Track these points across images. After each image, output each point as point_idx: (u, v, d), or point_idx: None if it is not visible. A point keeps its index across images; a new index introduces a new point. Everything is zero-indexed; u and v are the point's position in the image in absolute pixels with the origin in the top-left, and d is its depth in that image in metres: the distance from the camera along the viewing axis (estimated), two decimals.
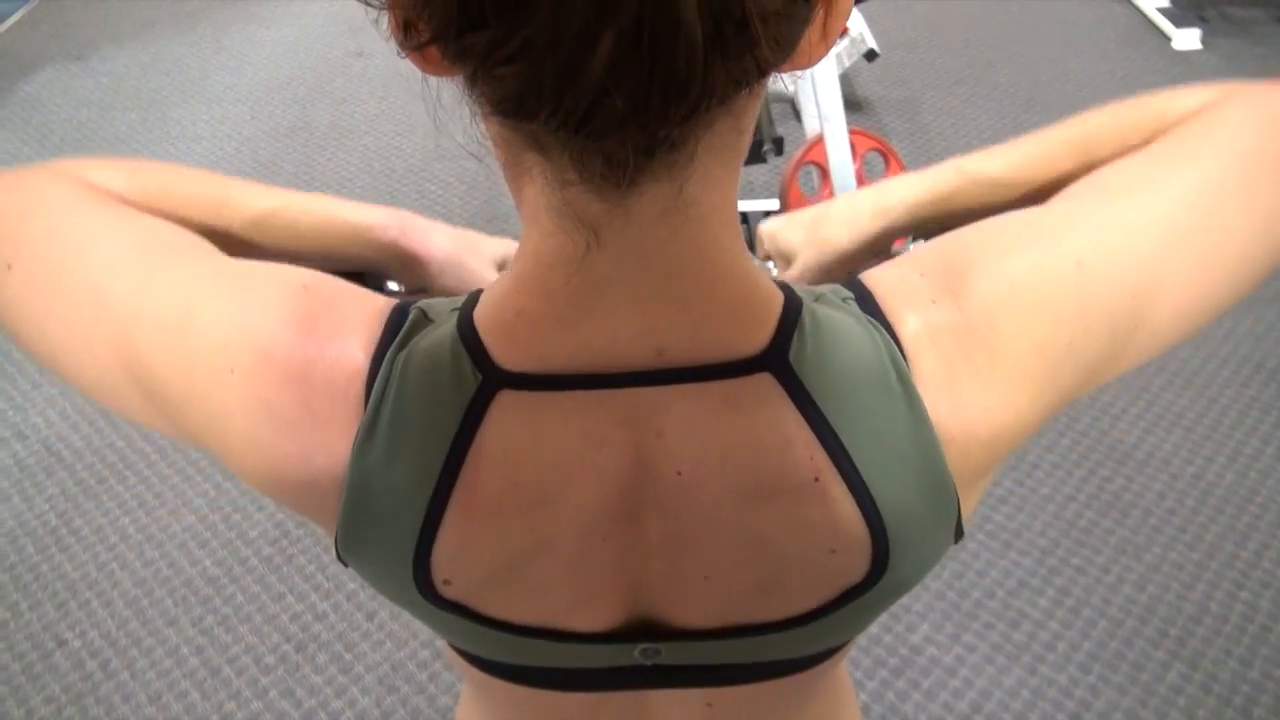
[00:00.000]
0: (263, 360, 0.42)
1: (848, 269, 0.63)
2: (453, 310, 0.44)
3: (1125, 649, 1.66)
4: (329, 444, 0.42)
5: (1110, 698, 1.59)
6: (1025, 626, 1.70)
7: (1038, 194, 0.55)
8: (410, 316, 0.44)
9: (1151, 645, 1.66)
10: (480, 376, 0.41)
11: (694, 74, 0.29)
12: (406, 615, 1.73)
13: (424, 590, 0.45)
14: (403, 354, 0.42)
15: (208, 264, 0.47)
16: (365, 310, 0.44)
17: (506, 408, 0.41)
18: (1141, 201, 0.46)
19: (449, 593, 0.45)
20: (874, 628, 1.69)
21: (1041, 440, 2.02)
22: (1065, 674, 1.63)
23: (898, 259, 0.47)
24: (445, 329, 0.42)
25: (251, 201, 0.57)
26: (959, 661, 1.65)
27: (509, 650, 0.50)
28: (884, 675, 1.64)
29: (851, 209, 0.62)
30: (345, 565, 0.47)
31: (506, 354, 0.41)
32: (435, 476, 0.41)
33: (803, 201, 2.31)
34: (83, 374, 0.47)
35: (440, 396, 0.41)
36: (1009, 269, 0.43)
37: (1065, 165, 0.55)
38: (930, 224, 0.61)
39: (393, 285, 0.66)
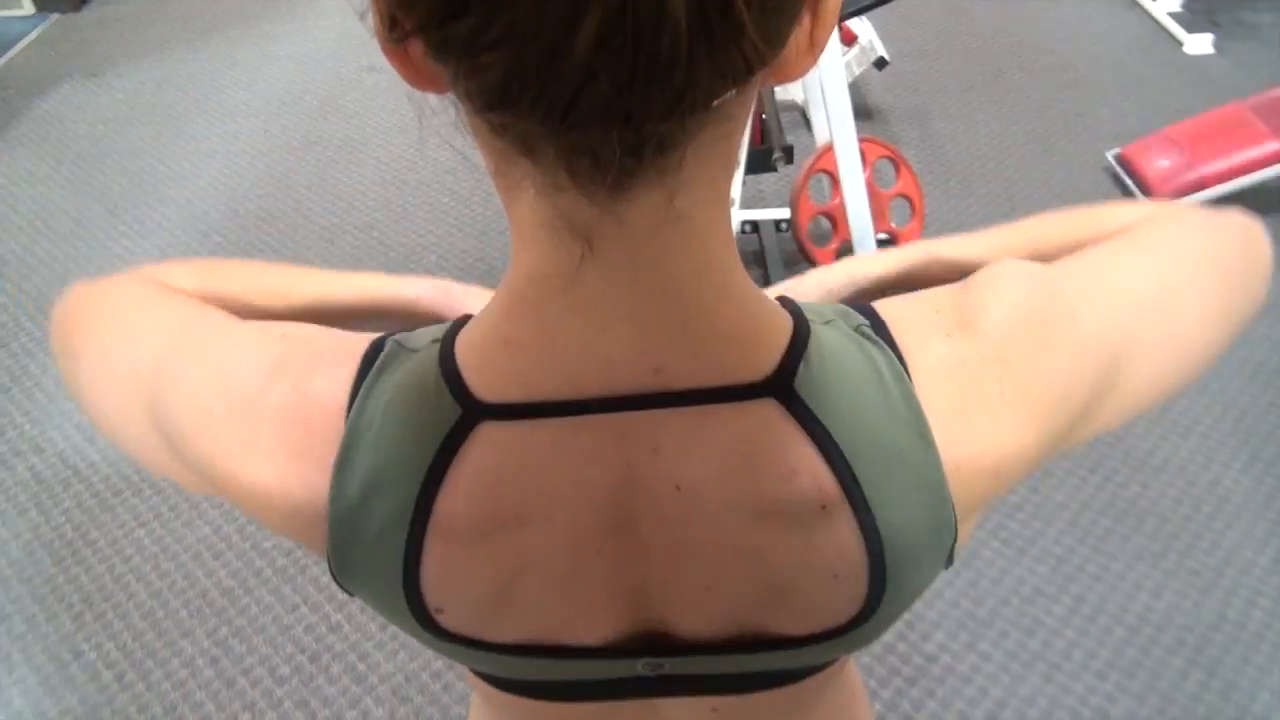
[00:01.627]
0: (236, 401, 0.44)
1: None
2: (434, 341, 0.44)
3: (1142, 656, 1.65)
4: (306, 476, 0.43)
5: (1127, 705, 1.58)
6: (1040, 634, 1.69)
7: None
8: (385, 349, 0.44)
9: (1169, 653, 1.65)
10: (460, 410, 0.41)
11: (678, 58, 0.29)
12: None
13: (420, 619, 0.45)
14: (379, 386, 0.43)
15: (213, 327, 0.51)
16: (342, 347, 0.46)
17: (486, 439, 0.41)
18: (1119, 276, 0.50)
19: (444, 621, 0.46)
20: (889, 635, 1.68)
21: None
22: (1081, 682, 1.62)
23: (908, 295, 0.48)
24: (426, 360, 0.43)
25: (307, 288, 0.63)
26: (974, 670, 1.65)
27: (515, 669, 0.50)
28: (898, 684, 1.63)
29: (826, 275, 0.66)
30: (349, 594, 0.48)
31: (489, 385, 0.41)
32: (412, 508, 0.42)
33: (812, 209, 2.31)
34: (129, 443, 0.52)
35: (418, 428, 0.41)
36: (1018, 311, 0.45)
37: (1020, 255, 0.58)
38: (892, 292, 0.63)
39: None
